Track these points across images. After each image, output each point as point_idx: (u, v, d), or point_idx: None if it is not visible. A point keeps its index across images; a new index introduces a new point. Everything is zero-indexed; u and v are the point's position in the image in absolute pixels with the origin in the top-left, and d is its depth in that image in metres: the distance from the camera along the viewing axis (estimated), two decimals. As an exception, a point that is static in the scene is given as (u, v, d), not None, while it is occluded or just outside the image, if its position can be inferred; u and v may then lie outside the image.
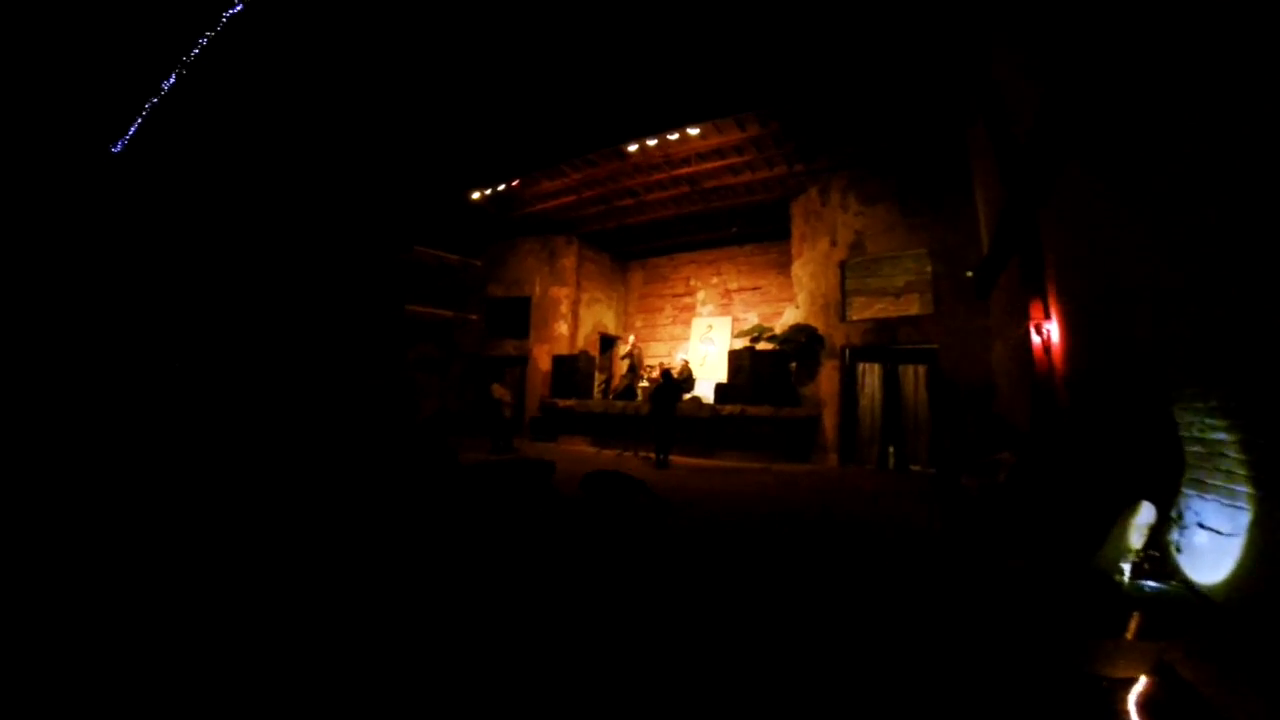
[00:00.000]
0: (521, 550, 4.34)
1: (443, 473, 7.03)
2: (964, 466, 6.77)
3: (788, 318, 12.02)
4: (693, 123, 10.11)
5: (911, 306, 10.07)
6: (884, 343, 10.01)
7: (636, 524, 5.40)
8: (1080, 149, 4.56)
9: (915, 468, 9.51)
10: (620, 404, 11.72)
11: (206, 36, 11.05)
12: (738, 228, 14.13)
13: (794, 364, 10.90)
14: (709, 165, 11.53)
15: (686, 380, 12.87)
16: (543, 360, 14.49)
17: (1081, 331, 5.14)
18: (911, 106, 9.36)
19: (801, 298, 11.46)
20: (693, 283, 15.61)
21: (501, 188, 12.73)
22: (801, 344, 10.61)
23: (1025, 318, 6.24)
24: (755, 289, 14.59)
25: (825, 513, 6.12)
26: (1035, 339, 5.86)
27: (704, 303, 15.29)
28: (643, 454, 10.44)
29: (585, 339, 15.34)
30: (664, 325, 15.90)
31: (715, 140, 10.98)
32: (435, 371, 15.95)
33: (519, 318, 15.28)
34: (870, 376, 10.23)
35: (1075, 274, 5.14)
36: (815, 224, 11.44)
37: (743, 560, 4.31)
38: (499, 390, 11.45)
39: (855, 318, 10.52)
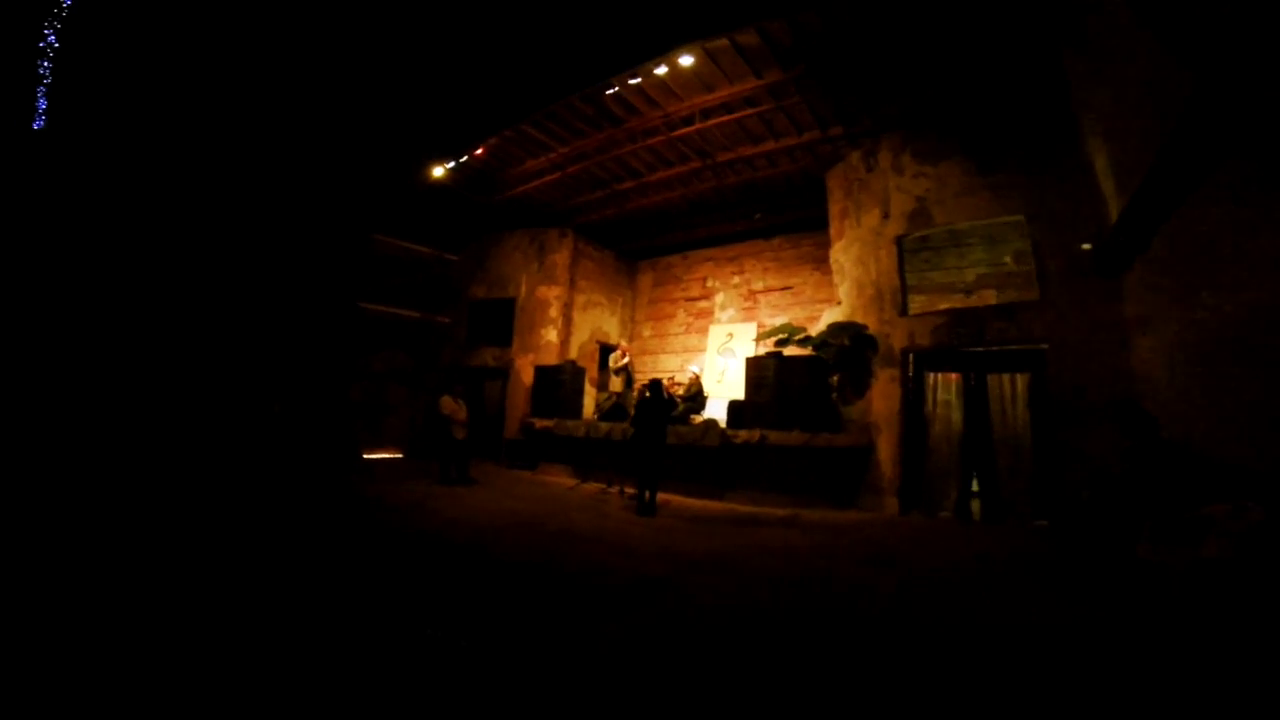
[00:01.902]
0: None
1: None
2: (1124, 525, 3.97)
3: (827, 321, 9.30)
4: (684, 43, 7.60)
5: (1002, 293, 7.27)
6: (964, 343, 7.18)
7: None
8: None
9: (1011, 518, 6.60)
10: (606, 426, 9.09)
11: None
12: (762, 214, 11.55)
13: (835, 375, 8.13)
14: (719, 123, 9.01)
15: (696, 397, 10.19)
16: (526, 372, 12.03)
17: None
18: (983, 27, 6.72)
19: (845, 289, 8.73)
20: (710, 283, 13.02)
21: (465, 158, 10.46)
22: (845, 348, 7.86)
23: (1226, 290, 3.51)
24: (785, 289, 11.91)
25: (897, 614, 3.37)
26: None
27: (723, 307, 12.66)
28: (630, 490, 7.80)
29: (580, 348, 12.85)
30: (676, 334, 13.30)
31: (724, 91, 8.51)
32: (408, 383, 13.67)
33: (502, 322, 12.91)
34: (945, 390, 7.40)
35: None
36: (860, 194, 8.77)
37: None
38: (448, 404, 8.97)
39: (920, 311, 7.73)
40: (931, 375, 7.48)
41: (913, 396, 7.49)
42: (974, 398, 7.06)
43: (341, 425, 12.06)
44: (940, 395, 7.39)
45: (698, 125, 9.14)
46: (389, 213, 12.20)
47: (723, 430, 7.90)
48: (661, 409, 6.79)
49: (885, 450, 7.49)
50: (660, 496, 7.37)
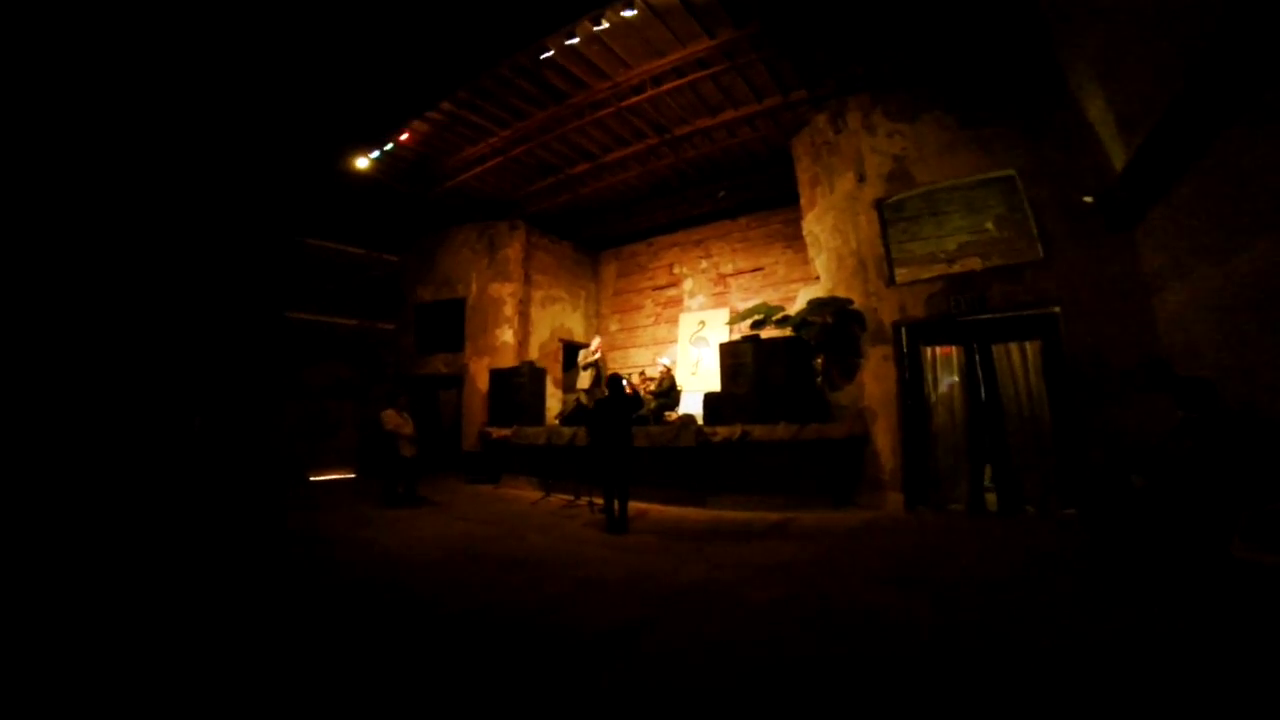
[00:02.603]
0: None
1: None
2: (1202, 518, 3.21)
3: (805, 300, 8.48)
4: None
5: (999, 255, 6.52)
6: (963, 311, 6.40)
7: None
8: None
9: (1031, 508, 5.84)
10: (569, 431, 8.10)
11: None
12: (725, 191, 10.70)
13: (819, 357, 7.31)
14: (672, 89, 8.08)
15: (669, 393, 9.29)
16: (481, 378, 10.98)
17: None
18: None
19: (822, 262, 7.92)
20: (677, 270, 12.14)
21: (390, 146, 9.33)
22: (828, 325, 7.05)
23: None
24: (756, 270, 11.09)
25: (949, 665, 2.47)
26: None
27: (692, 294, 11.79)
28: (600, 502, 6.87)
29: (541, 348, 11.84)
30: (645, 326, 12.39)
31: (675, 55, 7.63)
32: (350, 396, 12.48)
33: (452, 326, 11.82)
34: (945, 367, 6.62)
35: None
36: (830, 159, 7.98)
37: None
38: (391, 419, 7.93)
39: (910, 279, 6.94)
40: (929, 350, 6.70)
41: (910, 376, 6.70)
42: (979, 373, 6.29)
43: (273, 444, 10.84)
44: (940, 373, 6.61)
45: (649, 93, 8.18)
46: (316, 213, 11.00)
47: (699, 427, 7.00)
48: (623, 408, 5.85)
49: (883, 438, 6.68)
50: (635, 506, 6.47)
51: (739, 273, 11.26)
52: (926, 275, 6.83)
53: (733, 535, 5.47)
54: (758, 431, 6.59)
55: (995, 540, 4.80)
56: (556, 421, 9.56)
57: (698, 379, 10.81)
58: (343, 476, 12.01)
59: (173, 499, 8.06)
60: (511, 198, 11.31)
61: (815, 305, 7.12)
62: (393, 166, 10.28)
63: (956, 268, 6.75)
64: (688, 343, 11.27)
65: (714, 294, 11.46)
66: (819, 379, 7.26)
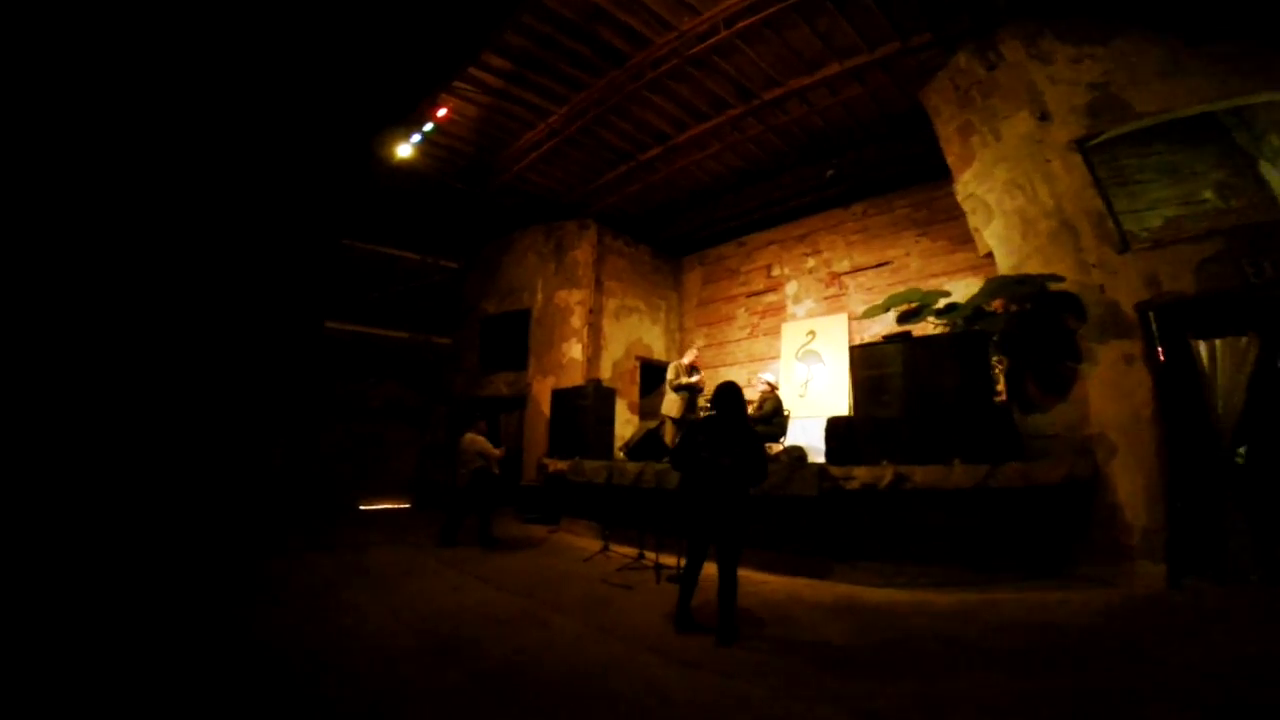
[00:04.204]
0: None
1: None
2: None
3: (960, 296, 6.13)
4: None
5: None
6: (1267, 279, 3.88)
7: None
8: None
9: None
10: (635, 468, 6.08)
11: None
12: (835, 169, 8.52)
13: (999, 361, 4.95)
14: (750, 30, 6.20)
15: (772, 417, 7.12)
16: (544, 400, 9.32)
17: None
18: None
19: (994, 232, 5.59)
20: (777, 271, 10.01)
21: (430, 126, 7.99)
22: (1024, 314, 4.70)
23: None
24: (881, 266, 8.76)
25: None
26: None
27: (797, 298, 9.60)
28: (670, 561, 4.85)
29: (615, 367, 10.06)
30: (738, 340, 10.30)
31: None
32: (411, 421, 11.25)
33: (516, 340, 10.33)
34: (1235, 367, 4.08)
35: None
36: (987, 100, 5.78)
37: None
38: (475, 442, 6.60)
39: (1160, 238, 4.50)
40: (1203, 345, 4.18)
41: (1170, 384, 4.20)
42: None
43: (307, 472, 9.67)
44: (1227, 377, 4.07)
45: (723, 34, 6.28)
46: (365, 214, 9.93)
47: (822, 468, 4.74)
48: (741, 434, 3.62)
49: (1126, 481, 4.21)
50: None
51: (857, 270, 8.96)
52: (1189, 230, 4.36)
53: (890, 643, 3.24)
54: (921, 476, 4.30)
55: None
56: (621, 454, 7.60)
57: (806, 402, 8.57)
58: (396, 506, 10.77)
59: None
60: (579, 193, 9.79)
61: (997, 287, 4.79)
62: (448, 162, 9.09)
63: (1233, 219, 4.27)
64: (793, 358, 9.06)
65: (825, 297, 9.22)
66: (1000, 395, 4.88)
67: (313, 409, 9.97)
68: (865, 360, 5.23)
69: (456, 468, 6.96)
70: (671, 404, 7.68)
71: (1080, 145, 5.01)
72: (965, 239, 7.97)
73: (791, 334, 9.26)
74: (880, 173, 8.59)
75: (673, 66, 6.89)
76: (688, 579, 3.60)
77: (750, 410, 7.06)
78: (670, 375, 7.84)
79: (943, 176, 7.80)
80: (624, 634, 3.54)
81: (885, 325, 8.01)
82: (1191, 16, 4.53)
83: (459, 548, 6.43)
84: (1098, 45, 5.05)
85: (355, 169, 9.23)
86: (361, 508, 10.36)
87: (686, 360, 7.91)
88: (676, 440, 5.48)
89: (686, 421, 7.15)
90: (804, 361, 8.93)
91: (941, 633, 3.44)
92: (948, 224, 8.13)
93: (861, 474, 4.48)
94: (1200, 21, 4.49)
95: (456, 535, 6.65)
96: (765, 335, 9.85)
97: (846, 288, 9.01)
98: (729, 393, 3.73)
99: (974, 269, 7.60)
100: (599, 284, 10.01)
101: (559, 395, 8.68)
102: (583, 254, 9.92)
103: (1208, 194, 5.48)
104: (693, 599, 3.57)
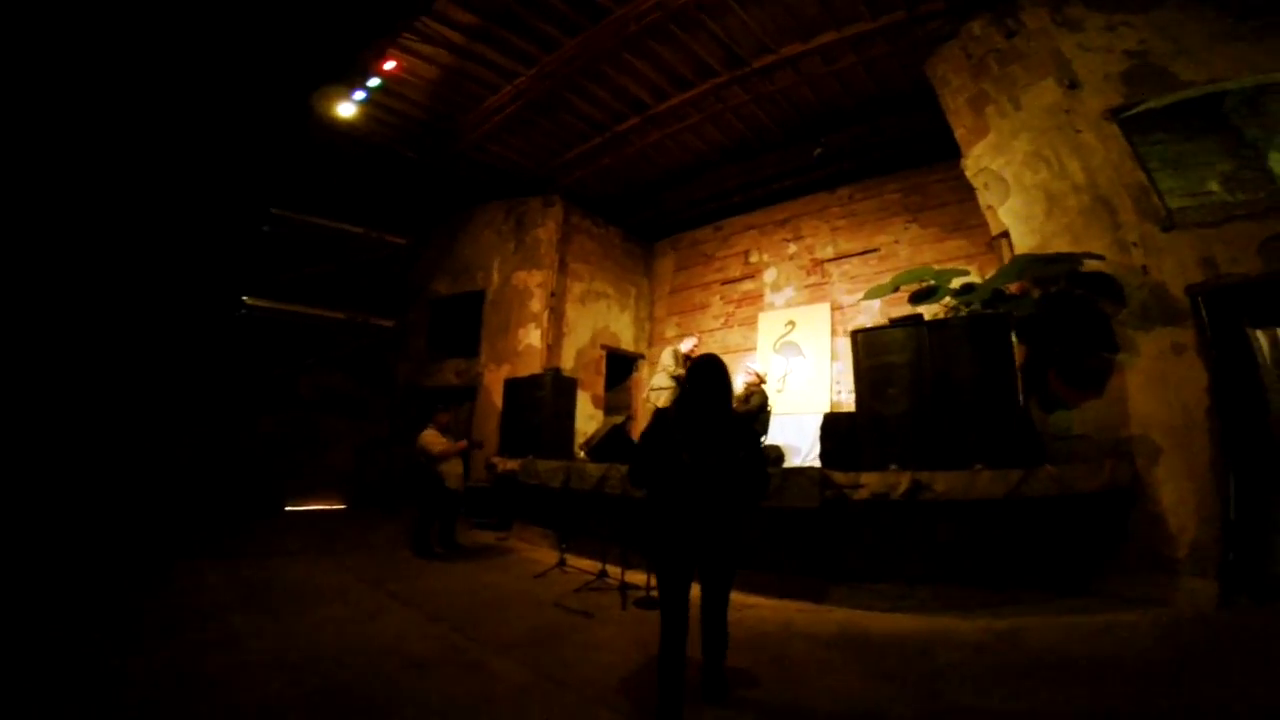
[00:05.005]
0: None
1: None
2: None
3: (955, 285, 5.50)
4: None
5: None
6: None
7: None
8: None
9: None
10: (597, 470, 5.21)
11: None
12: (824, 148, 7.86)
13: (1020, 347, 4.33)
14: None
15: (757, 414, 6.37)
16: (496, 390, 8.41)
17: None
18: None
19: (1011, 209, 4.99)
20: (755, 258, 9.34)
21: (377, 81, 7.00)
22: (1048, 299, 4.08)
23: None
24: (869, 253, 8.17)
25: None
26: None
27: (777, 286, 8.94)
28: (639, 582, 4.07)
29: (579, 356, 9.22)
30: (712, 329, 9.58)
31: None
32: (349, 412, 10.16)
33: (468, 325, 9.39)
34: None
35: None
36: (1005, 68, 5.23)
37: None
38: (437, 441, 5.90)
39: (1212, 218, 3.92)
40: (1264, 335, 3.63)
41: (1225, 379, 3.63)
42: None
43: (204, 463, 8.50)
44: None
45: None
46: (303, 183, 8.78)
47: (824, 475, 4.01)
48: (732, 426, 2.66)
49: (1173, 489, 3.63)
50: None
51: (842, 256, 8.35)
52: (1243, 208, 3.80)
53: (924, 700, 2.53)
54: (942, 484, 3.61)
55: None
56: (583, 454, 6.76)
57: (784, 397, 7.91)
58: (330, 507, 9.67)
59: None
60: (546, 167, 8.91)
61: (1024, 265, 4.16)
62: (399, 128, 8.11)
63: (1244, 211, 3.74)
64: (771, 350, 8.39)
65: (806, 285, 8.58)
66: (1031, 388, 4.26)
67: (232, 397, 8.80)
68: (869, 348, 4.54)
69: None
70: (662, 395, 6.74)
71: (1116, 114, 4.45)
72: (959, 226, 7.48)
73: (769, 324, 8.60)
74: (870, 155, 8.04)
75: (656, 22, 6.13)
76: (670, 647, 2.36)
77: (734, 404, 6.32)
78: (667, 361, 6.87)
79: (937, 159, 7.30)
80: (584, 684, 2.73)
81: (871, 317, 7.46)
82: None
83: (428, 560, 5.66)
84: (1134, 14, 4.51)
85: (288, 127, 8.10)
86: (289, 509, 9.26)
87: (685, 348, 7.00)
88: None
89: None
90: (782, 354, 8.28)
91: (978, 676, 2.76)
92: (941, 210, 7.61)
93: (872, 481, 3.77)
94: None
95: (426, 543, 5.83)
96: (741, 325, 9.17)
97: (830, 275, 8.39)
98: (712, 369, 2.66)
99: (969, 257, 7.07)
100: (563, 265, 9.14)
101: (513, 385, 7.79)
102: (546, 232, 9.04)
103: (1214, 185, 5.07)
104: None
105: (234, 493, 8.58)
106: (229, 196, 8.51)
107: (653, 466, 2.54)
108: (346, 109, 7.35)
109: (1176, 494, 3.63)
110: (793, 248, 8.87)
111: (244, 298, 8.10)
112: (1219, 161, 5.12)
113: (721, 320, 9.46)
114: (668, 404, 6.42)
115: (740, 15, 6.01)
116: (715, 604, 2.53)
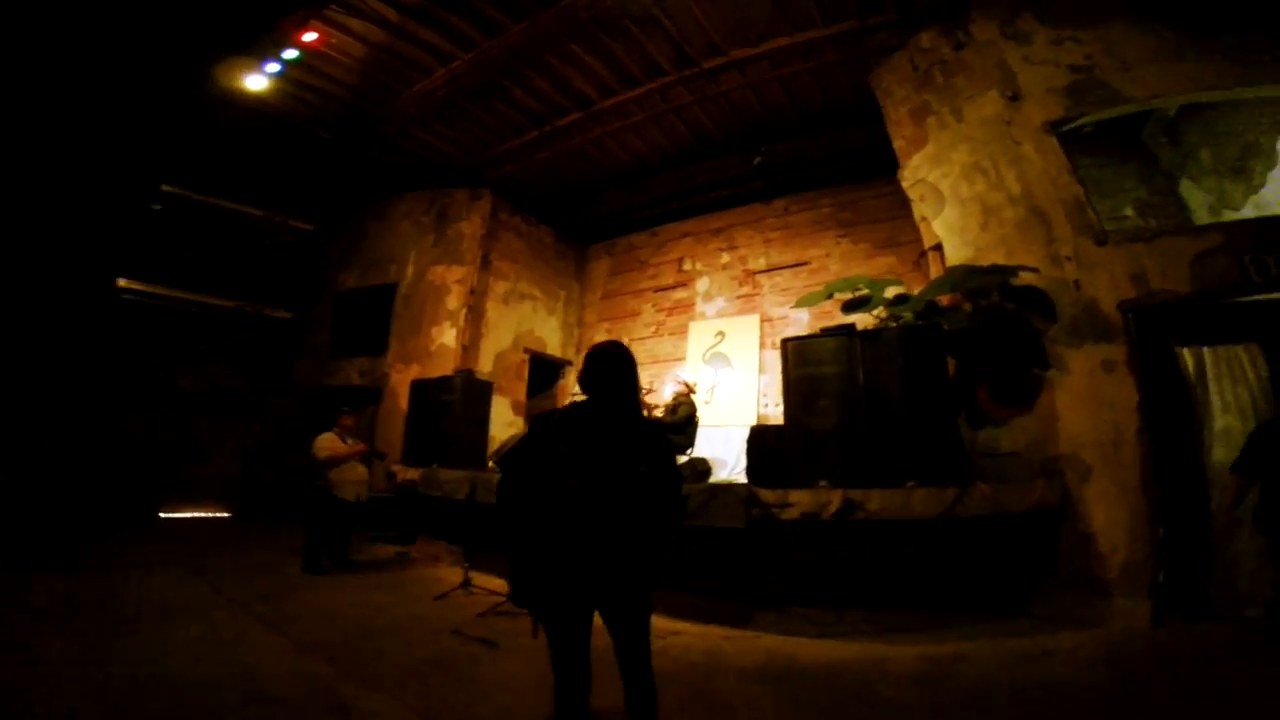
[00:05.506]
0: None
1: None
2: None
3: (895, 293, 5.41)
4: None
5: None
6: (1272, 278, 3.36)
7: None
8: None
9: None
10: None
11: None
12: (764, 156, 7.74)
13: (949, 360, 4.21)
14: None
15: (685, 426, 5.99)
16: (404, 392, 7.70)
17: None
18: None
19: (945, 221, 4.94)
20: (689, 266, 9.12)
21: (293, 52, 6.29)
22: (982, 313, 3.97)
23: None
24: (799, 266, 8.11)
25: None
26: None
27: (709, 296, 8.74)
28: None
29: (499, 359, 8.64)
30: (643, 337, 9.24)
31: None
32: (239, 412, 9.11)
33: (376, 321, 8.62)
34: (1228, 378, 3.55)
35: None
36: (950, 79, 5.26)
37: None
38: (331, 445, 5.34)
39: (1146, 232, 3.95)
40: (1190, 353, 3.63)
41: (1155, 397, 3.60)
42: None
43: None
44: (1219, 389, 3.54)
45: None
46: (196, 155, 7.82)
47: (751, 493, 3.67)
48: (639, 436, 2.04)
49: (1104, 509, 3.58)
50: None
51: (774, 269, 8.26)
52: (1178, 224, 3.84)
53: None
54: (876, 502, 3.36)
55: None
56: (491, 463, 6.22)
57: (712, 409, 7.66)
58: (212, 515, 8.62)
59: None
60: (477, 159, 8.39)
61: (959, 277, 4.05)
62: (319, 107, 7.40)
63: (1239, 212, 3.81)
64: (700, 360, 8.13)
65: (738, 296, 8.42)
66: (958, 404, 4.12)
67: (98, 391, 7.67)
68: (799, 356, 4.29)
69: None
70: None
71: (1056, 127, 4.47)
72: (890, 242, 7.52)
73: (700, 334, 8.36)
74: (809, 169, 8.05)
75: (608, 12, 5.80)
76: (568, 712, 1.89)
77: (659, 413, 5.97)
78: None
79: (873, 176, 7.34)
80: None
81: (800, 329, 7.34)
82: (1191, 7, 4.11)
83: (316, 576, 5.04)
84: (1083, 29, 4.60)
85: (183, 96, 7.17)
86: (163, 515, 8.18)
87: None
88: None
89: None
90: (711, 365, 8.05)
91: (917, 713, 2.49)
92: (873, 226, 7.65)
93: (802, 500, 3.48)
94: (1200, 13, 4.06)
95: (318, 557, 5.23)
96: (672, 335, 8.89)
97: (761, 287, 8.26)
98: (614, 361, 2.10)
99: (898, 275, 7.08)
100: (486, 262, 8.56)
101: (419, 387, 7.12)
102: (470, 226, 8.45)
103: (1129, 210, 5.27)
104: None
105: (97, 498, 7.47)
106: (109, 168, 7.44)
107: (526, 495, 1.92)
108: (257, 81, 6.57)
109: (1107, 514, 3.56)
110: (726, 257, 8.70)
111: (119, 280, 7.03)
112: (1134, 188, 5.34)
113: (653, 329, 9.15)
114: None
115: (695, 11, 5.80)
116: (633, 653, 1.93)
